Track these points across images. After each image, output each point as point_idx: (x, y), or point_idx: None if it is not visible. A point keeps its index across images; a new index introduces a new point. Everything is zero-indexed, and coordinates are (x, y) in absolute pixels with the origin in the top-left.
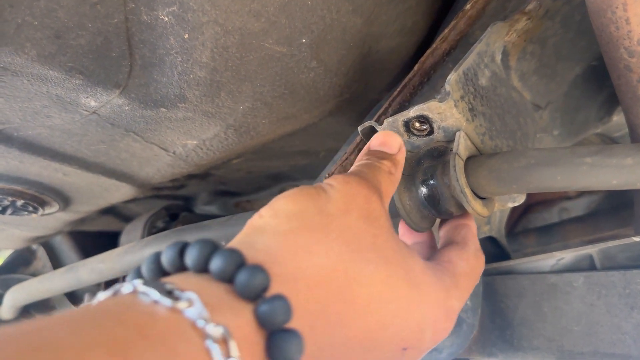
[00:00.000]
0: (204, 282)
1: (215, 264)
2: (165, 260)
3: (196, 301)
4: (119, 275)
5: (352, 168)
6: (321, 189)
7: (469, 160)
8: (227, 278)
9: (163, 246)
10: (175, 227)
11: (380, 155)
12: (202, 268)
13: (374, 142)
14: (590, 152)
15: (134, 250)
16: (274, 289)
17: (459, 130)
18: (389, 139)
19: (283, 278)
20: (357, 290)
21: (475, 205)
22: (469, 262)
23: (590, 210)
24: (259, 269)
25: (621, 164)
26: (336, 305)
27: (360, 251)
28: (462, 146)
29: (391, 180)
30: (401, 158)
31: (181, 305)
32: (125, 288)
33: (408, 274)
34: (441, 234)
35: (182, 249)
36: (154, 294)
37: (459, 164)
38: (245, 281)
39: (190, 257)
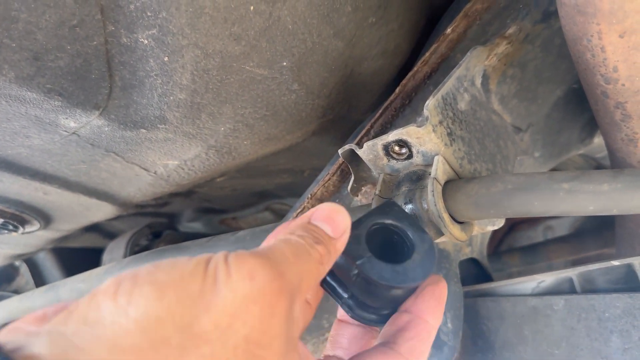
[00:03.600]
0: None
1: None
2: None
3: None
4: None
5: (275, 243)
6: (210, 280)
7: (447, 184)
8: None
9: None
10: (158, 245)
11: (317, 237)
12: None
13: (318, 215)
14: (568, 177)
15: (114, 270)
16: None
17: (437, 154)
18: (336, 215)
19: None
20: None
21: (453, 230)
22: None
23: (575, 229)
24: None
25: (598, 190)
26: None
27: None
28: (440, 170)
29: (318, 272)
30: (341, 245)
31: None
32: None
33: None
34: (387, 324)
35: None
36: None
37: (437, 189)
38: None
39: None
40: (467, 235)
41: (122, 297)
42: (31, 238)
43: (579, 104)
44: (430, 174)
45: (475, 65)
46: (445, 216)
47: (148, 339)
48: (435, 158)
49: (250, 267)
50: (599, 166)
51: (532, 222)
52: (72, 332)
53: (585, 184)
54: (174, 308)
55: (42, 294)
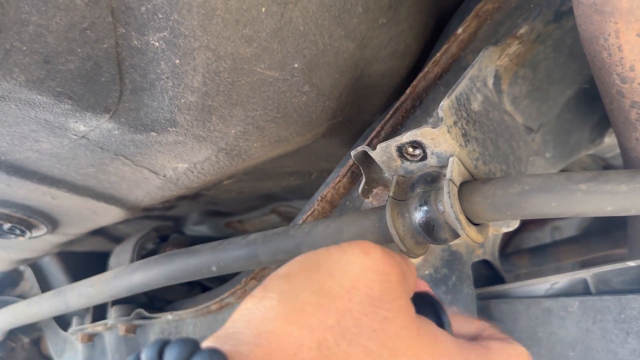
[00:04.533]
0: None
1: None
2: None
3: None
4: (108, 300)
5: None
6: (329, 257)
7: (463, 186)
8: None
9: (153, 271)
10: (165, 249)
11: None
12: None
13: None
14: (585, 178)
15: (124, 275)
16: None
17: (452, 155)
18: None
19: None
20: None
21: (470, 232)
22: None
23: (582, 229)
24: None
25: (616, 191)
26: None
27: (358, 342)
28: (455, 172)
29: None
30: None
31: None
32: None
33: None
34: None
35: (161, 348)
36: None
37: (453, 191)
38: None
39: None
40: (483, 237)
41: (258, 291)
42: (38, 242)
43: (590, 104)
44: (445, 176)
45: (487, 65)
46: (462, 218)
47: (291, 306)
48: (451, 159)
49: (362, 246)
50: (607, 166)
51: (539, 222)
52: (232, 329)
53: (603, 184)
54: (302, 280)
55: (49, 298)
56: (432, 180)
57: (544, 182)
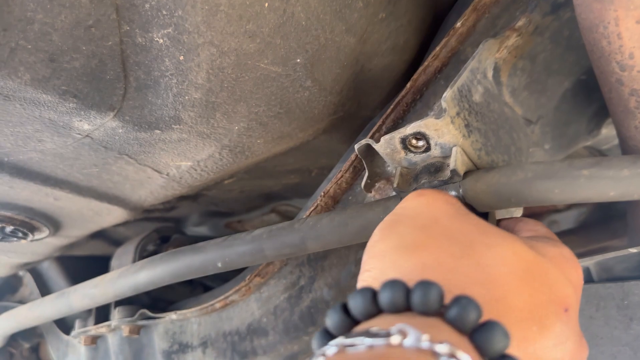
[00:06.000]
0: (408, 318)
1: (418, 297)
2: (355, 307)
3: (409, 329)
4: (112, 300)
5: None
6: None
7: (467, 174)
8: (432, 311)
9: (158, 269)
10: (166, 250)
11: None
12: (400, 307)
13: None
14: (588, 164)
15: (128, 274)
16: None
17: (455, 146)
18: None
19: (490, 304)
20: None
21: None
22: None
23: (580, 222)
24: (469, 299)
25: (618, 176)
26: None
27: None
28: (459, 161)
29: None
30: None
31: (395, 339)
32: (330, 349)
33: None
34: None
35: (373, 294)
36: (364, 340)
37: None
38: (459, 312)
39: (385, 298)
40: None
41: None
42: (39, 245)
43: (587, 96)
44: (448, 166)
45: (486, 57)
46: None
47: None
48: (454, 149)
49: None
50: None
51: (535, 217)
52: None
53: (606, 170)
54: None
55: (52, 301)
56: (436, 170)
57: (547, 169)
